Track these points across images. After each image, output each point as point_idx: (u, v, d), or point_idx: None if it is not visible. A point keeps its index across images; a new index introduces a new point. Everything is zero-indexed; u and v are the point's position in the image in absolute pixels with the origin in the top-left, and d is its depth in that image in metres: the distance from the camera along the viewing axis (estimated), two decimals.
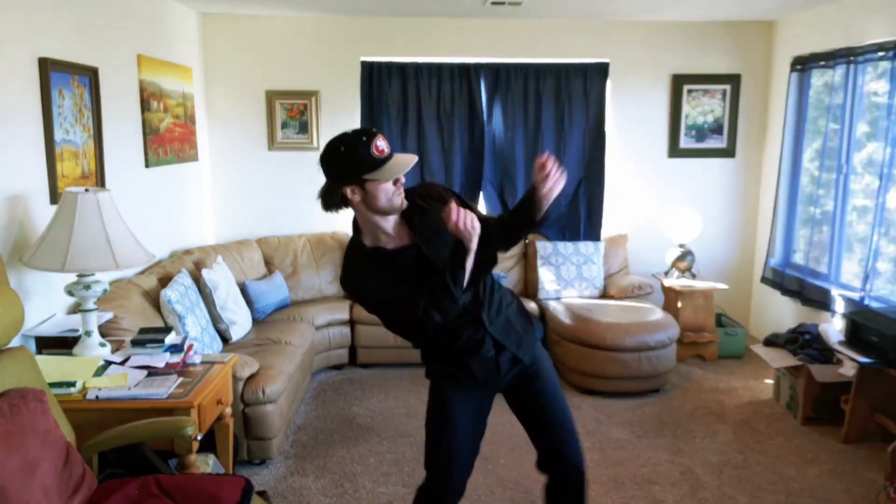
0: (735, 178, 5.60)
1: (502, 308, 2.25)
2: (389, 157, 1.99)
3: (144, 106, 4.10)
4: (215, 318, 3.98)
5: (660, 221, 5.42)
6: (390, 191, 2.01)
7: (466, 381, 2.23)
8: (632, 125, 5.50)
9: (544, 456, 2.36)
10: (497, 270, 4.24)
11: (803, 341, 4.12)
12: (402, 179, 2.03)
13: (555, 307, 4.91)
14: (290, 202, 5.42)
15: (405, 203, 2.06)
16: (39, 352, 2.91)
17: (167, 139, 4.45)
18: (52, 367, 2.61)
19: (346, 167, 1.98)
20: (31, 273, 2.89)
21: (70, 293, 2.84)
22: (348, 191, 2.00)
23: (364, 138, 1.96)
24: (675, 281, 5.21)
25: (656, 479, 3.40)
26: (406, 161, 2.00)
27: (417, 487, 2.37)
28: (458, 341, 2.18)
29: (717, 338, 5.10)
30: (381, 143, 1.97)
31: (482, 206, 5.42)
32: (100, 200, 2.79)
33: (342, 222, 5.48)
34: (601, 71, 5.35)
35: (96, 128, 3.50)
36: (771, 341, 4.34)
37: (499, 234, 2.13)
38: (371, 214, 2.05)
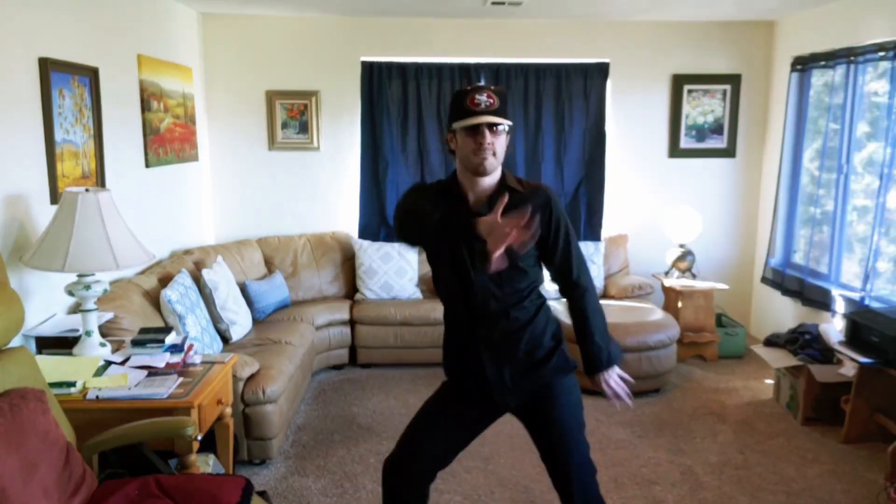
0: (735, 178, 5.60)
1: (513, 327, 2.17)
2: (478, 112, 1.97)
3: (144, 106, 4.10)
4: (215, 318, 3.98)
5: (660, 221, 5.42)
6: (469, 146, 1.99)
7: (462, 392, 2.22)
8: (632, 125, 5.50)
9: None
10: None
11: (803, 341, 4.12)
12: (487, 141, 1.97)
13: (555, 307, 4.86)
14: (290, 202, 5.42)
15: (486, 167, 2.01)
16: (39, 352, 2.91)
17: (167, 139, 4.45)
18: (52, 367, 2.61)
19: (449, 115, 2.07)
20: (31, 273, 2.89)
21: (70, 293, 2.84)
22: (450, 137, 2.07)
23: (469, 90, 2.00)
24: (675, 281, 5.21)
25: (656, 479, 3.40)
26: (484, 119, 1.96)
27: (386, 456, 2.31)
28: (456, 336, 2.19)
29: (718, 338, 5.10)
30: (479, 97, 1.98)
31: None
32: (100, 200, 2.80)
33: (342, 222, 5.49)
34: (601, 71, 5.35)
35: (96, 128, 3.50)
36: (771, 341, 4.34)
37: (554, 275, 2.28)
38: (463, 169, 2.08)
